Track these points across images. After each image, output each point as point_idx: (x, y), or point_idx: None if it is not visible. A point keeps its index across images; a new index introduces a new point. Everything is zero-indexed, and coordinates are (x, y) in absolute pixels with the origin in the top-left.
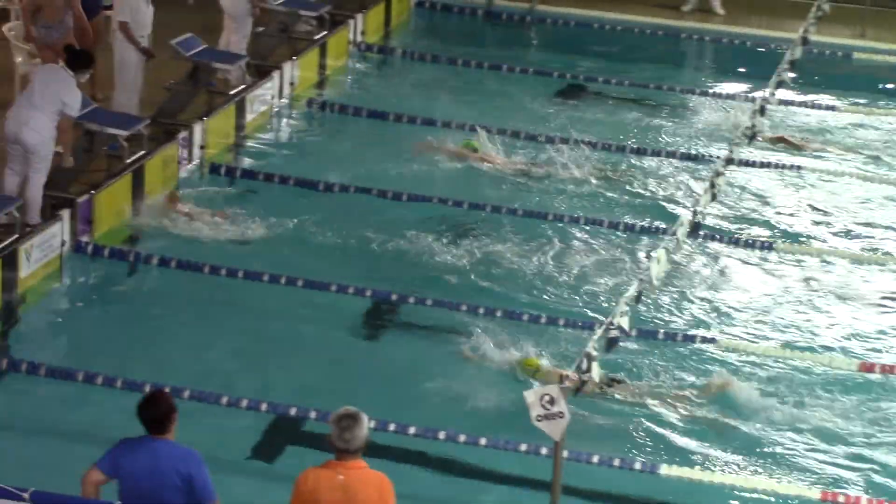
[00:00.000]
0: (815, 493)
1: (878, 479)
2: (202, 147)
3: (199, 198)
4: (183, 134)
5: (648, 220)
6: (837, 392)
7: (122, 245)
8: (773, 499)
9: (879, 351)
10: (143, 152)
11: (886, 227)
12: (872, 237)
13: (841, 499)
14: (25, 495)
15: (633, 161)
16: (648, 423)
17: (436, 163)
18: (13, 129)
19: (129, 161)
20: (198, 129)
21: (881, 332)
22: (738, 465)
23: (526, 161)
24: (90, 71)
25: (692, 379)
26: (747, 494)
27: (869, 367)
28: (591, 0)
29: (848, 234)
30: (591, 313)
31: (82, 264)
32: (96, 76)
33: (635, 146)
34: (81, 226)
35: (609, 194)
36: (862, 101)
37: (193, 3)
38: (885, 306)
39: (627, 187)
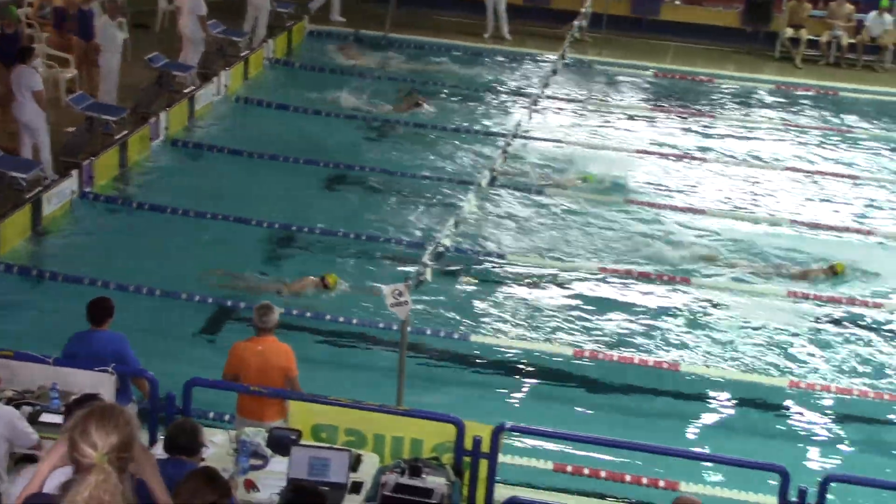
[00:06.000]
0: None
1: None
2: (166, 128)
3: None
4: (153, 119)
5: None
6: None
7: (113, 193)
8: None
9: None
10: (126, 132)
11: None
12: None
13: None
14: (50, 360)
15: (452, 138)
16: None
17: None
18: (17, 113)
19: (117, 137)
20: (163, 116)
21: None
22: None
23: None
24: (33, 58)
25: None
26: None
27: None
28: (425, 29)
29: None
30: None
31: (86, 206)
32: (96, 79)
33: (452, 127)
34: (85, 180)
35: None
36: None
37: (160, 30)
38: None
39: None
